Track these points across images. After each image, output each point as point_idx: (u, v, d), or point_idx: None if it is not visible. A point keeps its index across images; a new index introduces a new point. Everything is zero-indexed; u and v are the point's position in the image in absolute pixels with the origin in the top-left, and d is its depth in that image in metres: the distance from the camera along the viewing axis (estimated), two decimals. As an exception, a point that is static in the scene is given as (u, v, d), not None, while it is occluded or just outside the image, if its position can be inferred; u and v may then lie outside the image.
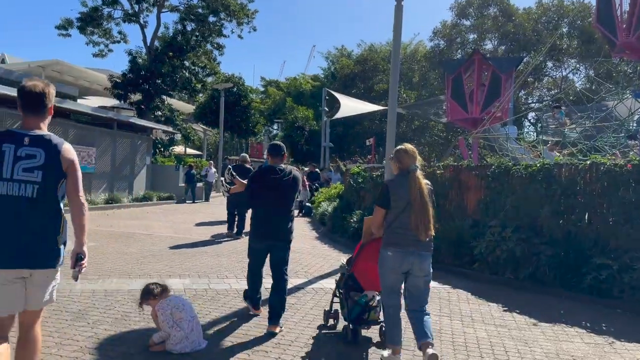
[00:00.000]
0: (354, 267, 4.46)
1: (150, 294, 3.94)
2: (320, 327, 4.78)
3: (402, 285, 3.97)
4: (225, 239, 10.13)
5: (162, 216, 14.27)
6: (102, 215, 13.73)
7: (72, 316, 4.62)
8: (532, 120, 38.49)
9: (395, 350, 3.86)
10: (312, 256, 8.86)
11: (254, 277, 4.92)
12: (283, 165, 4.83)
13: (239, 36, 26.23)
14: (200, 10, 24.47)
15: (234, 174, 5.70)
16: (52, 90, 2.83)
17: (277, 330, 4.52)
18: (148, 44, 23.95)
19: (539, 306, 6.11)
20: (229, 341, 4.28)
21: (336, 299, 4.77)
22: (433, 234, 3.82)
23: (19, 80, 16.30)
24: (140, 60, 23.56)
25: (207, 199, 21.25)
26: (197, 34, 24.71)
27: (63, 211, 2.82)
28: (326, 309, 4.90)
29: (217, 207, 18.07)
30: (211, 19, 25.02)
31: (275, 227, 4.71)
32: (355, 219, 10.35)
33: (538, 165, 7.77)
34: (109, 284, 5.90)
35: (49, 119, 2.84)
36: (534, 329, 5.24)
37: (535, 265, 7.09)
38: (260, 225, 4.75)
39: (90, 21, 22.09)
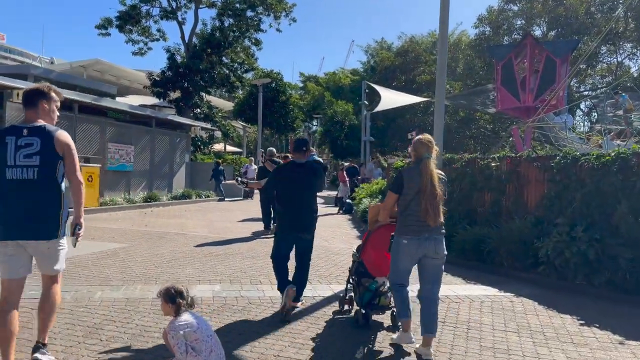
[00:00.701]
0: (362, 254, 4.67)
1: (170, 300, 3.26)
2: (335, 313, 4.93)
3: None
4: (262, 237, 9.58)
5: (199, 214, 13.92)
6: (140, 214, 13.50)
7: (85, 331, 4.11)
8: (584, 110, 36.32)
9: (406, 326, 4.02)
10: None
11: (280, 269, 5.04)
12: (305, 160, 5.06)
13: (277, 29, 25.78)
14: (237, 5, 24.14)
15: (245, 180, 6.43)
16: (51, 93, 3.35)
17: (299, 305, 4.92)
18: (186, 41, 23.83)
19: (621, 319, 5.19)
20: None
21: (350, 286, 4.88)
22: (442, 220, 3.96)
23: (60, 79, 16.37)
24: (178, 58, 23.47)
25: (247, 196, 20.86)
26: (235, 29, 24.39)
27: (63, 189, 3.22)
28: (341, 295, 5.09)
29: (257, 204, 17.64)
30: (249, 13, 24.66)
31: (300, 219, 4.93)
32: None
33: (613, 154, 6.76)
34: (133, 291, 5.41)
35: (49, 116, 3.31)
36: (622, 349, 4.36)
37: (612, 270, 6.13)
38: (285, 218, 5.00)
39: (128, 19, 22.10)
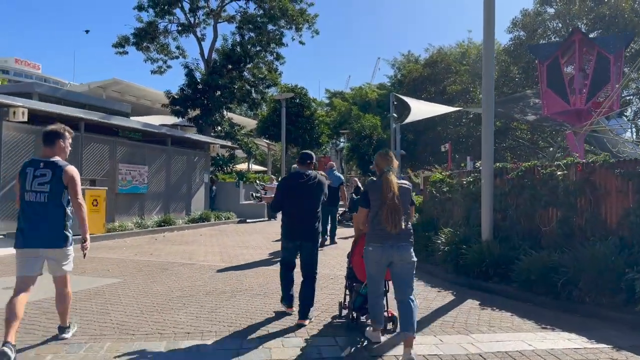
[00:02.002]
0: (351, 260, 4.95)
1: None
2: (333, 317, 5.18)
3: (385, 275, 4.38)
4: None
5: (215, 239, 12.62)
6: (150, 240, 12.29)
7: None
8: (630, 114, 33.76)
9: (376, 330, 4.41)
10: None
11: (286, 277, 5.29)
12: (310, 171, 5.30)
13: (300, 42, 24.64)
14: (258, 18, 23.16)
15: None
16: (63, 132, 4.25)
17: (306, 322, 4.92)
18: (205, 57, 22.96)
19: None
20: None
21: (347, 291, 5.11)
22: (404, 227, 4.14)
23: (67, 98, 15.53)
24: (197, 75, 22.60)
25: (271, 217, 19.49)
26: (256, 43, 23.40)
27: (68, 211, 4.20)
28: (340, 301, 5.30)
29: (274, 226, 16.28)
30: (270, 27, 23.66)
31: (303, 227, 5.15)
32: (443, 240, 8.00)
33: None
34: (95, 353, 4.04)
35: (64, 151, 4.25)
36: None
37: None
38: (289, 226, 5.21)
39: (145, 36, 21.36)
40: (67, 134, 4.29)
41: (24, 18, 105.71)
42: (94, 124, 13.33)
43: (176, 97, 21.94)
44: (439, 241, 8.03)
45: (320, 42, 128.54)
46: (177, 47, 23.97)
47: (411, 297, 4.19)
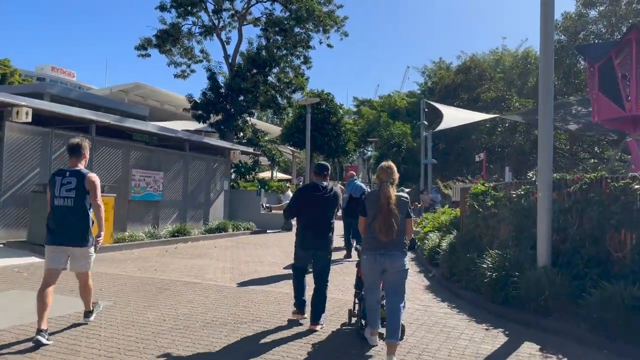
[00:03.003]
0: (359, 268, 5.11)
1: None
2: (343, 324, 5.33)
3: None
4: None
5: (229, 252, 11.61)
6: (160, 252, 11.37)
7: None
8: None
9: (373, 332, 4.62)
10: (426, 329, 5.44)
11: (298, 283, 5.51)
12: (325, 183, 5.49)
13: (329, 45, 23.74)
14: (284, 21, 22.29)
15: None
16: (85, 144, 4.94)
17: (318, 327, 5.13)
18: (230, 61, 22.21)
19: None
20: None
21: (356, 299, 5.25)
22: (396, 236, 4.25)
23: (80, 99, 14.88)
24: (221, 78, 21.85)
25: (287, 229, 18.39)
26: (282, 46, 22.54)
27: (90, 214, 4.82)
28: (350, 309, 5.45)
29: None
30: (297, 30, 22.78)
31: (317, 237, 5.32)
32: (490, 264, 6.74)
33: None
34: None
35: (83, 161, 4.92)
36: None
37: None
38: (304, 236, 5.38)
39: (167, 38, 20.73)
40: (85, 144, 4.97)
41: (60, 28, 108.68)
42: (106, 126, 12.57)
43: (198, 101, 21.22)
44: (485, 265, 6.78)
45: (348, 50, 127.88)
46: (202, 51, 23.41)
47: (400, 304, 4.38)
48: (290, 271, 8.93)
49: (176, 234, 13.37)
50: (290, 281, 5.71)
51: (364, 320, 4.83)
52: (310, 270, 5.49)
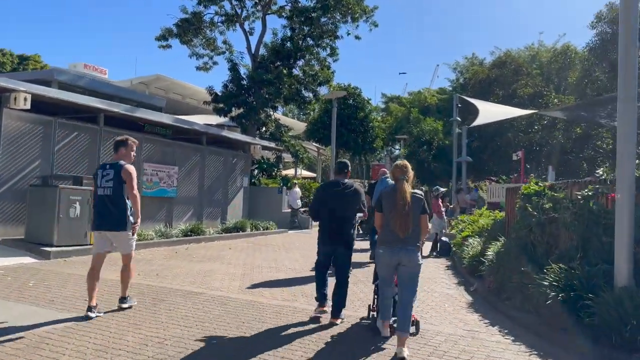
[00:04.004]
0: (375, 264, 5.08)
1: None
2: (362, 318, 5.45)
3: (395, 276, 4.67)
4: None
5: (244, 255, 10.56)
6: (169, 254, 10.40)
7: None
8: None
9: (385, 324, 4.77)
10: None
11: (319, 277, 5.59)
12: (346, 180, 5.62)
13: (356, 37, 22.43)
14: (311, 10, 21.11)
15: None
16: (130, 142, 5.49)
17: (338, 321, 5.28)
18: (252, 52, 21.20)
19: None
20: None
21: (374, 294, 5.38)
22: (411, 232, 4.44)
23: (90, 87, 14.08)
24: (242, 70, 20.87)
25: (297, 227, 17.27)
26: (307, 37, 21.40)
27: (128, 202, 5.29)
28: (369, 304, 5.51)
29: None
30: (323, 20, 21.59)
31: (338, 233, 5.44)
32: (552, 280, 5.44)
33: None
34: None
35: (128, 156, 5.43)
36: None
37: None
38: (324, 232, 5.52)
39: (188, 27, 19.83)
40: (129, 142, 5.46)
41: (91, 27, 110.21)
42: (116, 116, 11.68)
43: (219, 94, 20.28)
44: (546, 283, 5.49)
45: (375, 47, 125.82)
46: (224, 42, 22.42)
47: (412, 298, 4.53)
48: (310, 280, 7.82)
49: (189, 233, 12.40)
50: (310, 293, 5.90)
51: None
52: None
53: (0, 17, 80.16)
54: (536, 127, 30.83)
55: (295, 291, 6.92)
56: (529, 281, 6.09)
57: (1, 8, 75.61)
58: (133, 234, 5.42)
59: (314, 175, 32.71)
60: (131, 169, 5.28)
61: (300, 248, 12.17)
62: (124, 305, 5.52)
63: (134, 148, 5.57)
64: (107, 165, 5.36)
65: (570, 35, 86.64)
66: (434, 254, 11.65)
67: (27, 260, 8.46)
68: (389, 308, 4.70)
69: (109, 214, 5.22)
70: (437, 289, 7.58)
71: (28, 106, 9.22)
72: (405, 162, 4.88)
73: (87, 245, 9.53)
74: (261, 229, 15.13)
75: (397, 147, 49.89)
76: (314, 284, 6.24)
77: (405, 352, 4.24)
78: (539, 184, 7.55)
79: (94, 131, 11.25)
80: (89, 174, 11.05)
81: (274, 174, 21.25)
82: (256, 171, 20.60)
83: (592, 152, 30.46)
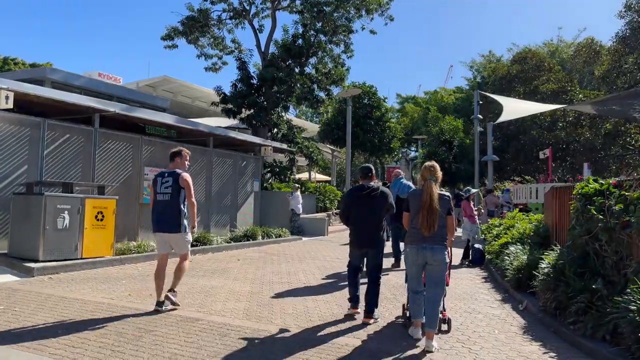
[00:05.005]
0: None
1: None
2: (397, 317, 5.68)
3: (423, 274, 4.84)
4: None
5: (253, 267, 9.46)
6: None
7: None
8: None
9: (417, 324, 4.83)
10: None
11: (352, 280, 5.77)
12: (372, 183, 5.83)
13: (372, 31, 21.33)
14: (325, 5, 19.99)
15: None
16: (184, 153, 5.98)
17: (371, 321, 5.43)
18: (262, 50, 20.19)
19: None
20: None
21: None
22: (437, 230, 4.65)
23: (87, 86, 13.13)
24: (252, 69, 19.85)
25: (297, 232, 15.97)
26: (320, 31, 20.30)
27: (183, 207, 5.76)
28: (404, 303, 5.57)
29: (337, 247, 12.89)
30: (336, 14, 20.49)
31: (367, 236, 5.64)
32: (636, 302, 4.23)
33: None
34: None
35: (180, 166, 5.89)
36: None
37: None
38: (356, 235, 5.74)
39: (194, 24, 18.86)
40: (184, 152, 5.99)
41: (106, 36, 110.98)
42: (113, 116, 10.69)
43: (228, 94, 19.28)
44: (633, 308, 4.28)
45: (389, 47, 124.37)
46: (233, 41, 21.46)
47: (440, 296, 4.77)
48: (330, 300, 6.74)
49: (195, 243, 11.31)
50: (330, 318, 5.65)
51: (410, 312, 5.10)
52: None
53: (13, 30, 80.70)
54: (560, 125, 29.32)
55: (312, 315, 5.79)
56: (603, 301, 4.89)
57: (13, 22, 76.06)
58: (192, 232, 5.98)
59: (328, 178, 31.56)
60: (188, 177, 5.81)
61: (316, 258, 11.04)
62: (170, 295, 5.80)
63: (188, 157, 6.02)
64: (166, 173, 5.85)
65: (591, 29, 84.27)
66: (466, 262, 10.43)
67: (8, 278, 7.45)
68: (420, 307, 4.78)
69: (166, 218, 5.70)
70: (480, 309, 6.38)
71: (10, 105, 8.23)
72: (434, 163, 5.04)
73: (77, 259, 8.53)
74: (273, 237, 14.02)
75: (412, 148, 48.55)
76: (334, 306, 5.11)
77: (435, 346, 4.48)
78: (600, 181, 6.32)
79: (89, 133, 10.25)
80: (83, 180, 10.09)
81: (286, 177, 20.16)
82: (268, 175, 19.55)
83: (620, 149, 28.83)
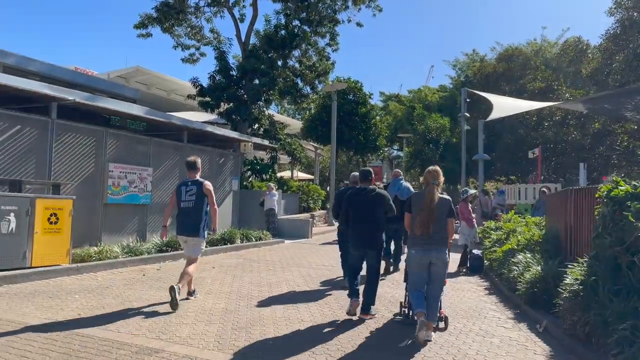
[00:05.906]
0: (406, 264, 5.50)
1: None
2: (395, 314, 5.86)
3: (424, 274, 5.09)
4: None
5: (229, 277, 8.42)
6: (135, 276, 8.25)
7: None
8: None
9: (420, 315, 4.85)
10: None
11: (350, 280, 5.84)
12: (371, 186, 6.00)
13: (358, 24, 20.44)
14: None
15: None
16: (199, 161, 6.60)
17: (368, 317, 5.64)
18: (242, 40, 19.09)
19: None
20: None
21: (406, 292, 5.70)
22: (432, 231, 4.95)
23: (45, 73, 11.89)
24: (232, 61, 18.73)
25: (273, 234, 14.64)
26: (304, 23, 19.29)
27: (205, 213, 6.32)
28: (401, 301, 5.90)
29: (324, 252, 11.91)
30: (321, 5, 19.48)
31: (366, 237, 5.76)
32: None
33: None
34: None
35: (198, 173, 6.48)
36: None
37: None
38: (354, 237, 5.84)
39: (169, 12, 17.66)
40: (199, 161, 6.61)
41: (84, 29, 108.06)
42: (73, 106, 9.53)
43: (205, 86, 18.13)
44: None
45: (369, 46, 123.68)
46: (212, 31, 20.36)
47: (440, 292, 5.08)
48: (317, 318, 5.77)
49: (165, 248, 10.23)
50: (320, 342, 4.77)
51: (409, 309, 5.52)
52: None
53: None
54: (547, 124, 28.84)
55: (296, 339, 4.80)
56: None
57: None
58: (213, 233, 6.85)
59: (311, 177, 30.57)
60: (210, 185, 6.38)
61: (300, 265, 10.03)
62: (175, 287, 5.86)
63: (201, 164, 6.67)
64: (189, 182, 6.38)
65: (575, 29, 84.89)
66: (464, 270, 9.55)
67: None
68: (422, 300, 4.98)
69: (189, 221, 6.23)
70: (494, 331, 5.46)
71: (-56, 89, 7.06)
72: (437, 167, 5.29)
73: (25, 268, 7.39)
74: (253, 240, 12.96)
75: (395, 147, 47.83)
76: (325, 326, 4.07)
77: (433, 336, 4.86)
78: (634, 183, 5.46)
79: (44, 124, 9.07)
80: (37, 177, 8.91)
81: (268, 176, 19.10)
82: (248, 173, 18.47)
83: (606, 150, 28.45)
